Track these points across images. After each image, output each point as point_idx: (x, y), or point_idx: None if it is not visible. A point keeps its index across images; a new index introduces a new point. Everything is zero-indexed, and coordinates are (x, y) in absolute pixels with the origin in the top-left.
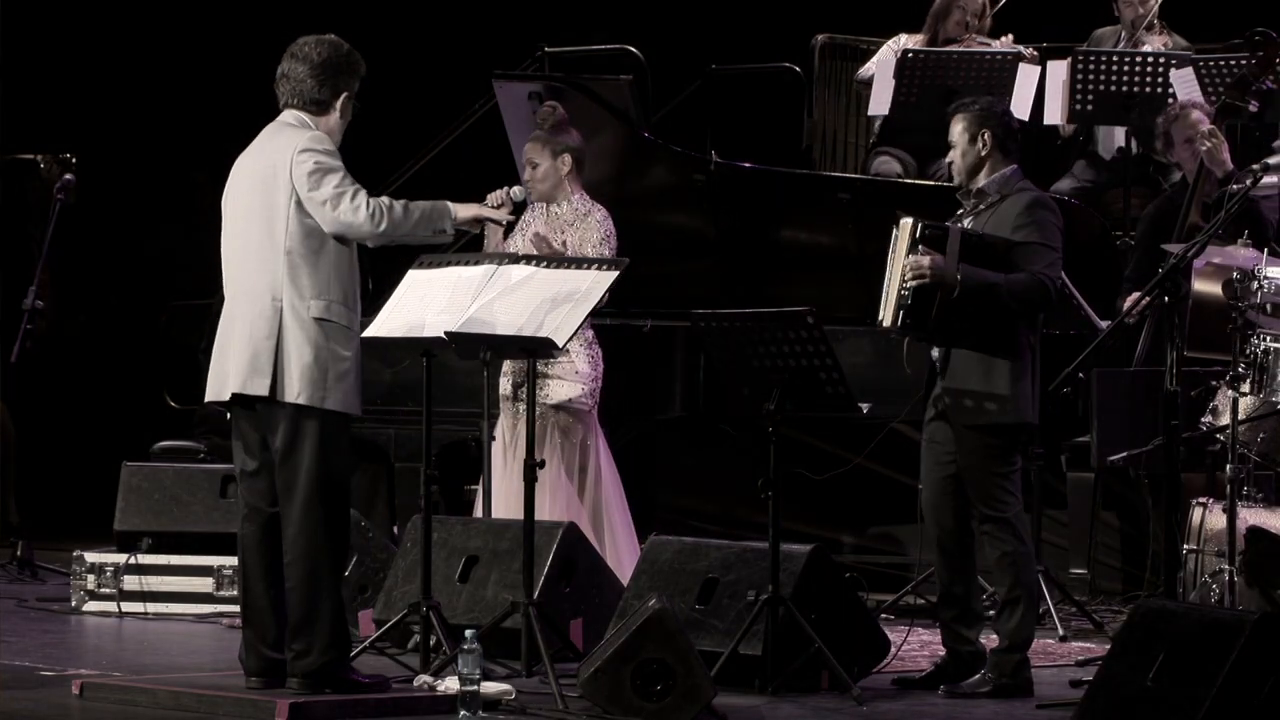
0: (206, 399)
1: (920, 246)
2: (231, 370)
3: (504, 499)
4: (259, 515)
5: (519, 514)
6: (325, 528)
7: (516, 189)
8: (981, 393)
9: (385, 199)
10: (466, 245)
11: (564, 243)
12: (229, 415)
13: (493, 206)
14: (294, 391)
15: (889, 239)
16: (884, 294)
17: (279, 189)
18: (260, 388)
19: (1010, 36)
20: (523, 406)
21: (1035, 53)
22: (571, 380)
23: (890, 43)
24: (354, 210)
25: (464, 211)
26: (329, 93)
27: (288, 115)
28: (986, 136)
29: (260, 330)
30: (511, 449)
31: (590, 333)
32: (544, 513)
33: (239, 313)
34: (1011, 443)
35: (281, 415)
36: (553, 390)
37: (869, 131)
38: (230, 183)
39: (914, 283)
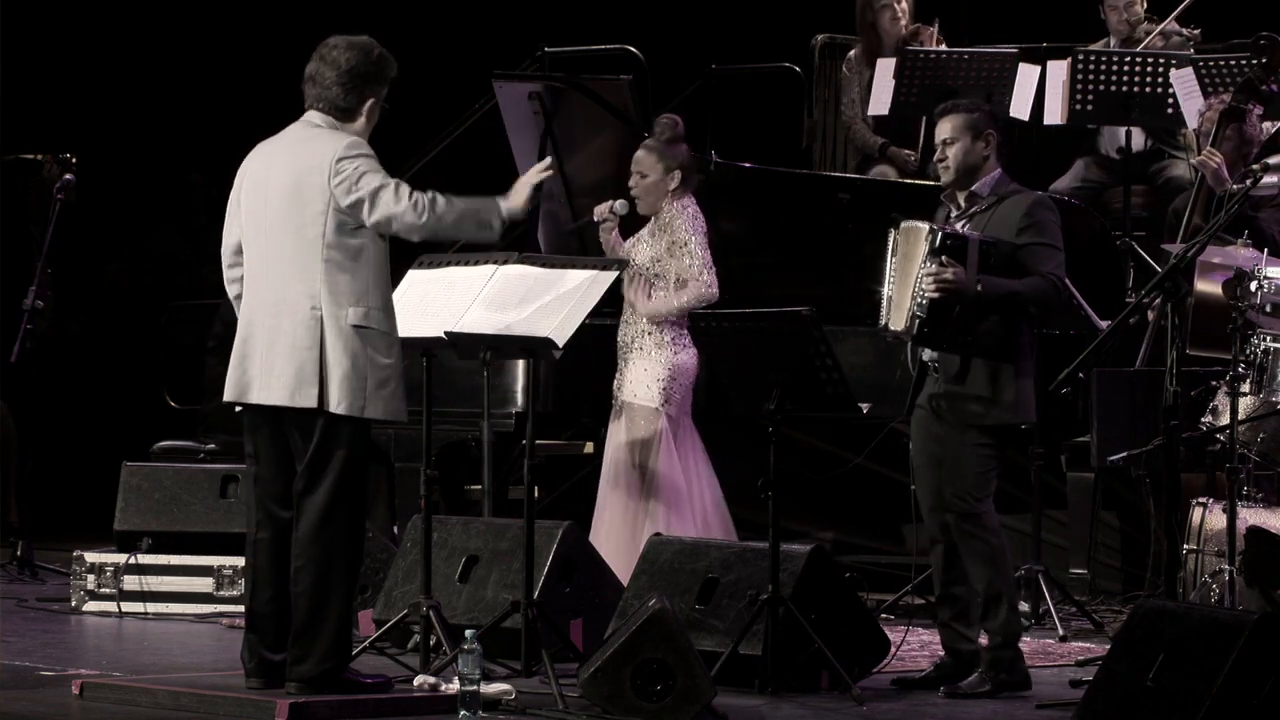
0: (227, 398)
1: (943, 258)
2: (275, 382)
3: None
4: (273, 521)
5: (621, 540)
6: (341, 538)
7: (620, 202)
8: (988, 396)
9: (430, 192)
10: (511, 245)
11: (668, 245)
12: (243, 416)
13: (597, 221)
14: (335, 401)
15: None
16: (888, 297)
17: (316, 196)
18: (308, 399)
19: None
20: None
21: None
22: (644, 377)
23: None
24: (396, 200)
25: (515, 200)
26: (355, 100)
27: (315, 117)
28: (991, 138)
29: (302, 340)
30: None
31: (668, 334)
32: (604, 505)
33: (272, 320)
34: (1004, 441)
35: (318, 423)
36: (627, 388)
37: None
38: (253, 181)
39: (935, 294)
